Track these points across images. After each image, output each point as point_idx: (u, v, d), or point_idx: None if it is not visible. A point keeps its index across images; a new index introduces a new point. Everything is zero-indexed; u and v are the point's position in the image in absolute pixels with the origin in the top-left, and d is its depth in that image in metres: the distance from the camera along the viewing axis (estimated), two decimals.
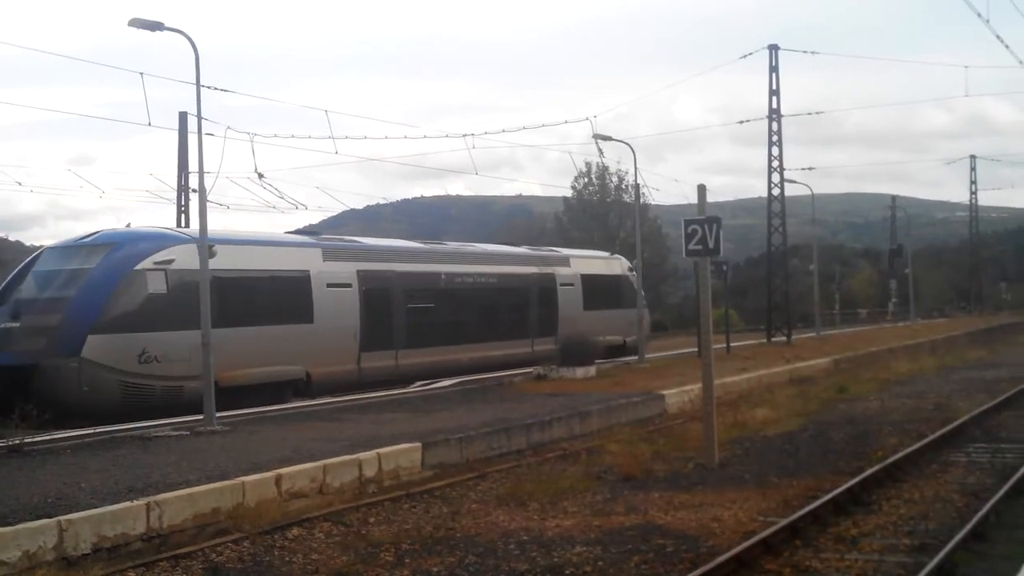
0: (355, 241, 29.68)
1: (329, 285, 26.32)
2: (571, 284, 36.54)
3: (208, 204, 19.93)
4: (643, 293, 39.73)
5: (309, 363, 25.23)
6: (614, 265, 40.54)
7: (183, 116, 37.02)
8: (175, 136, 38.09)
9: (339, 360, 26.23)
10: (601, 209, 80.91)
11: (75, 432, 17.90)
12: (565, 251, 40.02)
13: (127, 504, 11.51)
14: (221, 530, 11.98)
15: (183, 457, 14.98)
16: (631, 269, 39.97)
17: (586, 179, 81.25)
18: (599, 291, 37.84)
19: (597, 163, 77.51)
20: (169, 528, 11.70)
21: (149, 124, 25.19)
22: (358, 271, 27.34)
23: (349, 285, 26.90)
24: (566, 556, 10.51)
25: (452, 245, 34.76)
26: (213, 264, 22.04)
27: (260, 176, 32.41)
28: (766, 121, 45.31)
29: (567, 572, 9.92)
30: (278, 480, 13.39)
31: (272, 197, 62.32)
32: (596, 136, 35.53)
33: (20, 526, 10.42)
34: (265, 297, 24.71)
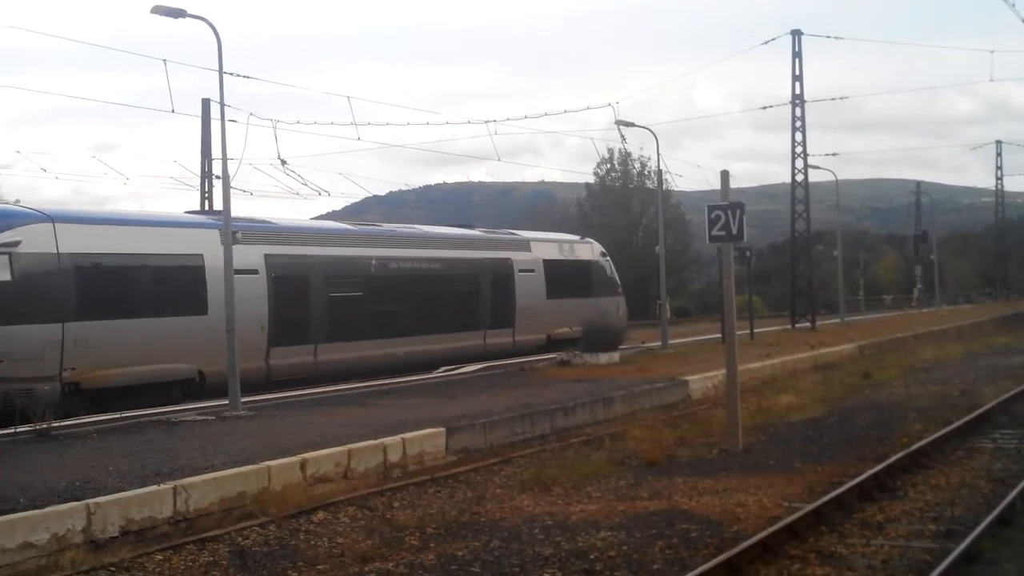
0: (264, 222, 26.07)
1: None
2: (531, 270, 33.50)
3: (232, 190, 19.97)
4: (619, 280, 38.19)
5: (202, 360, 21.87)
6: (584, 250, 37.52)
7: (206, 103, 37.13)
8: (198, 123, 38.29)
9: (242, 356, 21.71)
10: (623, 195, 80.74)
11: (101, 416, 18.06)
12: (525, 234, 36.64)
13: (154, 488, 11.60)
14: (247, 514, 12.05)
15: (209, 441, 15.07)
16: (604, 254, 37.98)
17: (608, 165, 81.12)
18: (566, 278, 34.95)
19: (619, 149, 77.35)
20: (196, 512, 11.78)
21: (172, 111, 25.18)
22: (267, 255, 24.23)
23: (255, 271, 23.74)
24: (590, 541, 10.52)
25: (386, 227, 31.36)
26: (69, 247, 20.05)
27: (283, 162, 32.38)
28: (788, 107, 45.25)
29: (592, 557, 9.92)
30: (303, 464, 13.45)
31: (295, 183, 62.12)
32: (619, 122, 35.58)
33: (48, 509, 10.51)
34: (142, 285, 21.56)
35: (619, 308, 37.40)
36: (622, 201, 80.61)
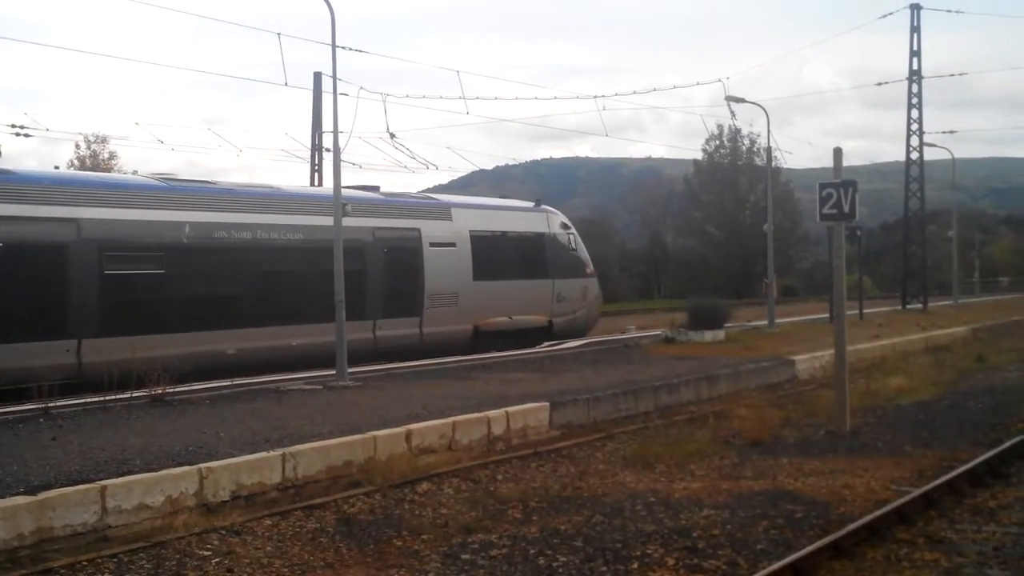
0: (2, 171, 19.84)
1: None
2: (450, 244, 26.75)
3: (341, 163, 20.19)
4: (589, 258, 31.66)
5: None
6: (535, 220, 30.23)
7: (318, 76, 37.62)
8: (309, 96, 38.79)
9: None
10: (732, 172, 79.99)
11: (212, 384, 18.48)
12: (445, 198, 29.93)
13: (264, 454, 11.84)
14: (353, 482, 12.23)
15: (316, 410, 15.33)
16: (566, 226, 31.10)
17: (717, 142, 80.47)
18: (505, 255, 28.42)
19: (729, 126, 76.66)
20: (303, 479, 12.00)
21: (286, 84, 25.59)
22: None
23: None
24: (693, 519, 10.47)
25: (219, 184, 23.51)
26: None
27: (392, 136, 32.73)
28: (902, 84, 44.46)
29: (694, 534, 9.87)
30: (408, 436, 13.61)
31: (403, 156, 63.14)
32: (729, 98, 35.17)
33: (163, 472, 10.81)
34: None
35: (586, 293, 31.11)
36: (730, 178, 79.94)
